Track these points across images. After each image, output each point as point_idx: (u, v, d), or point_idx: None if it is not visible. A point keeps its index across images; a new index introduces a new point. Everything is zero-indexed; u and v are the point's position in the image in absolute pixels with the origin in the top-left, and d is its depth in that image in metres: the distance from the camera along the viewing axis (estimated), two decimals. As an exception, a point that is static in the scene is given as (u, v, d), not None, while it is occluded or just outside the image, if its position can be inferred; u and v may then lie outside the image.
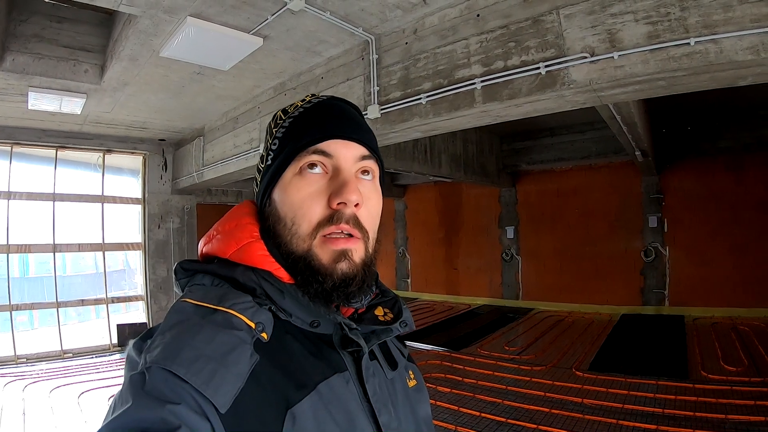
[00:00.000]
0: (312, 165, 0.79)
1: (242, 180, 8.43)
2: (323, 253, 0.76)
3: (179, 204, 9.12)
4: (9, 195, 7.66)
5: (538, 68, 3.35)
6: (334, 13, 4.24)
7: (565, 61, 3.25)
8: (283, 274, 0.77)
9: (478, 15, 3.79)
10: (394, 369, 0.87)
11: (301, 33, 4.69)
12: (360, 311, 0.84)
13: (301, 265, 0.76)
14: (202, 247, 0.83)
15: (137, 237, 8.88)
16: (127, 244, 8.78)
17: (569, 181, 11.23)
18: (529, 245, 11.86)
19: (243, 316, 0.68)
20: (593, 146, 10.12)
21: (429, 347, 8.08)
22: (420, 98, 4.02)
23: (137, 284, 8.88)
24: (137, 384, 0.60)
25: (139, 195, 8.88)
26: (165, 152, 9.00)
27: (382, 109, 4.34)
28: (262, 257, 0.77)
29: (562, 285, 11.18)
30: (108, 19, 5.63)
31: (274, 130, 0.86)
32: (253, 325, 0.68)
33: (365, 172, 0.83)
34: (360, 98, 4.62)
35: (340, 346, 0.78)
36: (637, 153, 7.73)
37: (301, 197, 0.78)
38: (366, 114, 4.39)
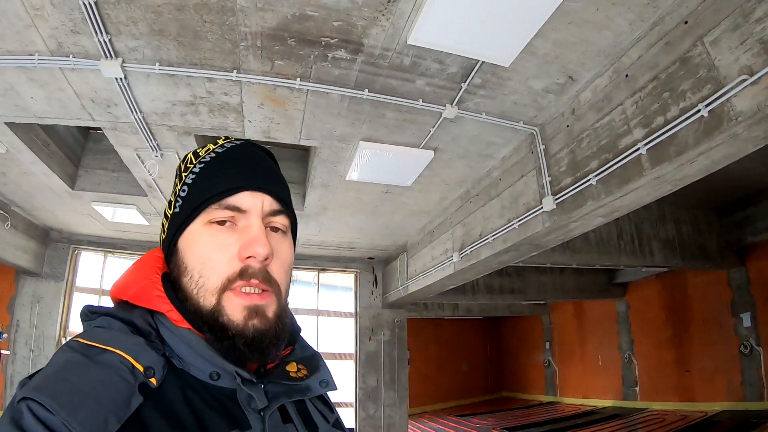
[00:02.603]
0: (221, 221, 0.77)
1: (451, 292, 8.31)
2: (233, 309, 0.73)
3: (389, 317, 9.36)
4: None
5: (699, 111, 2.74)
6: (490, 113, 4.11)
7: (725, 93, 2.62)
8: (176, 317, 0.73)
9: (626, 75, 3.33)
10: None
11: (467, 139, 4.56)
12: (268, 367, 0.80)
13: (209, 320, 0.72)
14: (111, 289, 0.81)
15: (350, 348, 9.24)
16: (340, 354, 9.18)
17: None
18: (771, 332, 9.13)
19: (129, 357, 0.64)
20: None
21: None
22: (589, 179, 3.58)
23: (348, 392, 9.10)
24: (5, 416, 0.58)
25: (352, 309, 9.35)
26: (375, 269, 9.47)
27: (556, 200, 3.92)
28: (158, 298, 0.74)
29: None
30: (305, 154, 6.18)
31: (183, 175, 0.83)
32: (141, 367, 0.64)
33: (276, 228, 0.81)
34: (535, 192, 4.26)
35: (246, 404, 0.72)
36: None
37: (209, 249, 0.75)
38: (541, 207, 4.05)
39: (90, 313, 0.76)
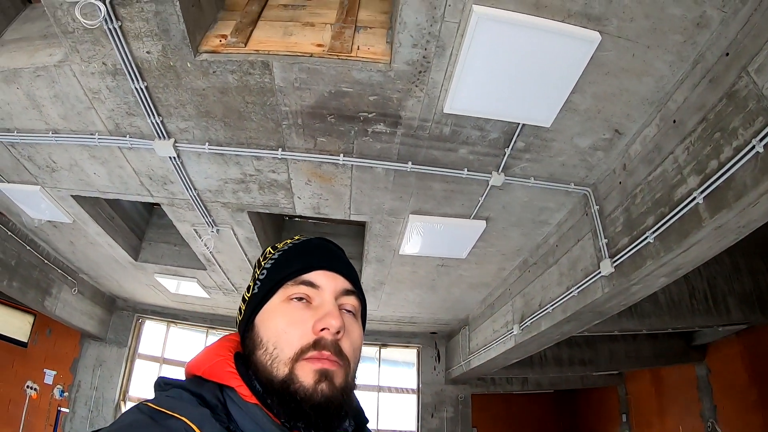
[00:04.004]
0: (299, 297, 0.82)
1: (517, 366, 7.80)
2: (304, 374, 0.75)
3: (453, 394, 8.95)
4: None
5: (753, 147, 2.40)
6: (538, 177, 3.93)
7: (778, 122, 2.31)
8: (246, 392, 0.75)
9: (674, 121, 3.02)
10: None
11: (518, 206, 4.37)
12: None
13: (280, 388, 0.74)
14: (187, 364, 0.83)
15: (411, 425, 8.87)
16: (401, 431, 8.76)
17: None
18: None
19: (194, 425, 0.65)
20: None
21: None
22: (646, 237, 3.21)
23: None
24: None
25: (414, 385, 9.00)
26: (437, 344, 9.13)
27: (613, 262, 3.56)
28: (228, 374, 0.77)
29: None
30: (361, 230, 6.14)
31: (263, 263, 0.91)
32: None
33: (348, 310, 0.85)
34: (593, 256, 3.91)
35: None
36: None
37: (285, 323, 0.79)
38: (599, 272, 3.69)
39: (164, 384, 0.78)
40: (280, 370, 0.75)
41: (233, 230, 5.44)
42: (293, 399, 0.73)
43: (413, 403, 8.90)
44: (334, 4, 3.27)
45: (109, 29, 2.76)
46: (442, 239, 4.95)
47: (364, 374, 8.85)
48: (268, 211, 5.05)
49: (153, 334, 9.49)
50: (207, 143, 3.88)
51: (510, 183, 3.95)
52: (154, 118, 3.61)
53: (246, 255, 6.02)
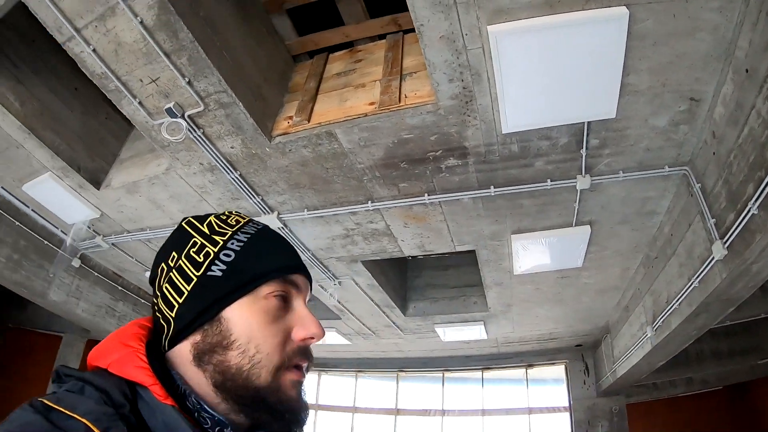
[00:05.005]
0: (284, 297, 0.76)
1: (669, 366, 7.15)
2: (287, 386, 0.72)
3: (606, 406, 8.34)
4: (443, 413, 8.77)
5: None
6: (627, 169, 3.70)
7: None
8: (160, 392, 0.65)
9: (746, 70, 2.62)
10: None
11: (617, 202, 4.15)
12: None
13: (257, 396, 0.70)
14: (90, 354, 0.74)
15: None
16: (556, 453, 8.31)
17: None
18: None
19: (96, 429, 0.57)
20: None
21: None
22: (749, 208, 2.82)
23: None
24: None
25: (565, 403, 8.55)
26: (585, 357, 8.61)
27: (725, 243, 3.18)
28: (139, 369, 0.67)
29: None
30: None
31: (216, 238, 0.79)
32: None
33: None
34: (705, 240, 3.52)
35: None
36: None
37: (270, 325, 0.73)
38: (713, 257, 3.34)
39: (64, 376, 0.69)
40: (262, 377, 0.70)
41: (353, 280, 5.79)
42: (272, 409, 0.71)
43: (566, 421, 8.46)
44: (381, 60, 3.51)
45: (195, 137, 3.25)
46: (552, 252, 4.84)
47: (510, 397, 8.63)
48: (379, 258, 5.32)
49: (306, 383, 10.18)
50: (305, 209, 4.27)
51: (599, 182, 3.80)
52: (255, 198, 4.07)
53: (372, 300, 6.34)
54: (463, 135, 3.34)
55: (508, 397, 8.63)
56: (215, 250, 0.77)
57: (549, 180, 3.82)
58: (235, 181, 3.81)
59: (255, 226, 0.83)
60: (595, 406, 8.39)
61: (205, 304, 0.73)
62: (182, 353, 0.73)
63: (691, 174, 3.64)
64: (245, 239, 0.79)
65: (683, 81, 2.98)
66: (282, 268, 0.78)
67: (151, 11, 2.66)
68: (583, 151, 3.51)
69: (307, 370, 0.77)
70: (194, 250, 0.77)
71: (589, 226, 4.47)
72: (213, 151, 3.44)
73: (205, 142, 3.32)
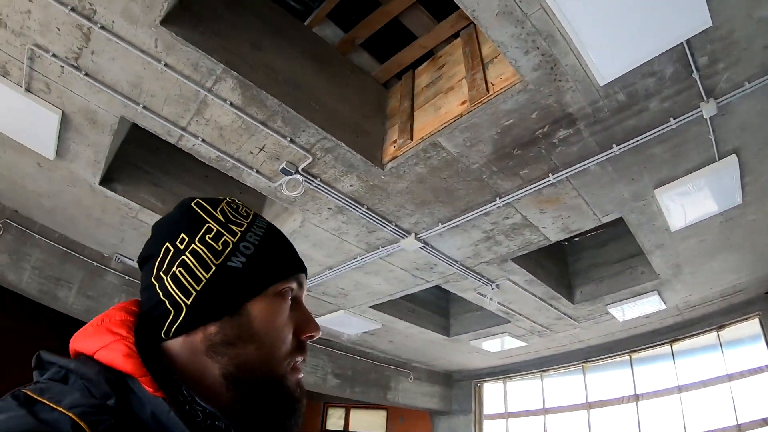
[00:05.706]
0: (294, 295, 0.81)
1: None
2: (291, 382, 0.76)
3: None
4: (636, 397, 8.21)
5: None
6: (752, 77, 3.25)
7: None
8: (149, 384, 0.63)
9: None
10: None
11: (756, 118, 3.68)
12: None
13: (276, 391, 0.73)
14: (73, 339, 0.71)
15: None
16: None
17: None
18: None
19: (82, 422, 0.55)
20: None
21: None
22: None
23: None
24: None
25: (765, 362, 7.28)
26: (779, 302, 7.46)
27: None
28: (128, 360, 0.65)
29: None
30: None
31: (233, 228, 0.79)
32: None
33: None
34: None
35: None
36: None
37: (283, 321, 0.77)
38: None
39: (47, 363, 0.67)
40: (275, 371, 0.74)
41: (510, 279, 5.77)
42: (278, 401, 0.73)
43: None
44: (461, 58, 3.56)
45: (315, 186, 3.57)
46: (704, 196, 4.43)
47: (708, 367, 7.76)
48: (528, 251, 5.23)
49: (493, 393, 10.21)
50: (439, 223, 4.41)
51: (727, 102, 3.40)
52: (389, 226, 4.30)
53: (534, 295, 6.26)
54: (562, 102, 3.27)
55: (703, 368, 7.78)
56: (234, 240, 0.77)
57: (671, 118, 3.53)
58: (365, 215, 4.06)
59: (263, 220, 0.85)
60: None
61: (229, 296, 0.73)
62: (190, 343, 0.72)
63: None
64: (261, 233, 0.80)
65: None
66: (295, 266, 0.82)
67: (235, 92, 3.07)
68: (696, 74, 3.18)
69: (303, 363, 0.80)
70: (210, 236, 0.76)
71: (735, 155, 4.04)
72: (335, 194, 3.74)
73: (325, 188, 3.63)
